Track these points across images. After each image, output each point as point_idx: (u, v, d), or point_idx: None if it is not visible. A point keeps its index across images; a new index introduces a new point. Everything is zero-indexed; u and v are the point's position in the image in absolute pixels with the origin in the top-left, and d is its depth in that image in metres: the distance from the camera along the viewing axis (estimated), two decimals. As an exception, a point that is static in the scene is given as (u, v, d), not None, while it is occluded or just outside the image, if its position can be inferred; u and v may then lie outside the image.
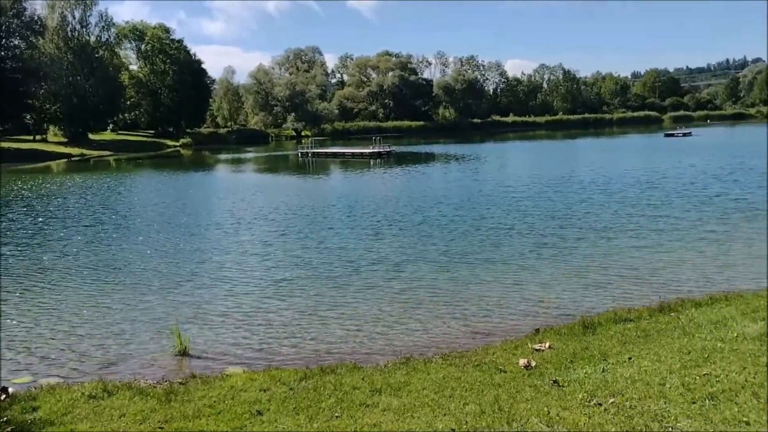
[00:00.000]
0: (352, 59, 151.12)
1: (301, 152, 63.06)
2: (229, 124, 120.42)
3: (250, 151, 76.51)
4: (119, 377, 7.83)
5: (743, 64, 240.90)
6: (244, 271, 13.89)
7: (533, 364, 7.01)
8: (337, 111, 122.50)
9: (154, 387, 7.18)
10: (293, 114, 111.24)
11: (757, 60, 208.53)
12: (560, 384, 6.17)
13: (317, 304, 11.06)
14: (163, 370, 8.24)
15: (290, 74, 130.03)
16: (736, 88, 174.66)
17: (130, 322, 10.46)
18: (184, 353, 8.81)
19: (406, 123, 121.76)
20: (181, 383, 7.27)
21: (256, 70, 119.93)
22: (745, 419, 4.89)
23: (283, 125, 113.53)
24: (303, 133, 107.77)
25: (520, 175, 33.92)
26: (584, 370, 6.55)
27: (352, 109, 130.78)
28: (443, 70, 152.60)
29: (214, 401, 6.45)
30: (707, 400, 5.33)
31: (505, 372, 6.85)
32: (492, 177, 34.31)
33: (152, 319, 10.59)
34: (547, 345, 7.79)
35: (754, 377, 5.73)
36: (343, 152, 61.80)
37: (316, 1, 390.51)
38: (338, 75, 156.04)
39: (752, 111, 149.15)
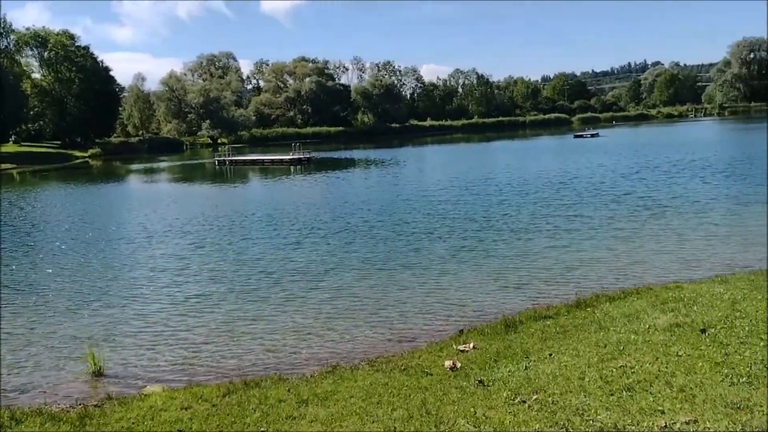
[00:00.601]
0: (267, 65, 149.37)
1: (218, 160, 61.67)
2: (140, 132, 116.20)
3: (163, 160, 74.14)
4: (28, 403, 7.35)
5: (644, 67, 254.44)
6: (159, 287, 13.39)
7: (458, 365, 7.08)
8: (254, 117, 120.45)
9: (67, 411, 6.79)
10: (208, 121, 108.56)
11: (656, 63, 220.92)
12: (485, 384, 6.26)
13: (238, 318, 10.80)
14: (77, 394, 7.80)
15: (204, 80, 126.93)
16: (638, 90, 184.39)
17: (37, 345, 9.86)
18: (98, 374, 8.38)
19: (326, 129, 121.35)
20: (96, 406, 6.90)
21: (168, 77, 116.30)
22: (660, 408, 5.09)
23: (198, 133, 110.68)
24: (219, 141, 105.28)
25: (439, 179, 34.43)
26: (508, 369, 6.67)
27: (269, 115, 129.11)
28: (360, 75, 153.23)
29: (133, 423, 6.16)
30: (624, 392, 5.53)
31: (432, 375, 6.88)
32: (412, 181, 34.68)
33: (62, 341, 10.03)
34: (472, 345, 7.90)
35: (666, 367, 5.99)
36: (262, 159, 60.91)
37: (227, 1, 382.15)
38: (254, 81, 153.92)
39: (653, 112, 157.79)
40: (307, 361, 8.52)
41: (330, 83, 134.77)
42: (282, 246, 17.07)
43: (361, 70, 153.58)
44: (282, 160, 57.68)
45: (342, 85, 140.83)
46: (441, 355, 7.69)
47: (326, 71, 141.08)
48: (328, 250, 16.10)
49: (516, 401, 5.64)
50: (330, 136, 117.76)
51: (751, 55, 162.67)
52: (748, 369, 5.63)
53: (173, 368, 8.66)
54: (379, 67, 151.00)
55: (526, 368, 6.60)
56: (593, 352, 6.82)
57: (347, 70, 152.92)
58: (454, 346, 8.01)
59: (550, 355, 7.00)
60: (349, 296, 11.72)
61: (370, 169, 47.07)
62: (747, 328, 6.88)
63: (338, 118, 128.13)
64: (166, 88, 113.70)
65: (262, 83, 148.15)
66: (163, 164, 67.75)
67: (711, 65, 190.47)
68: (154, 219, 24.09)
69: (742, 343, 6.39)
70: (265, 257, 15.72)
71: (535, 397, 5.69)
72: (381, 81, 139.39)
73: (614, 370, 6.11)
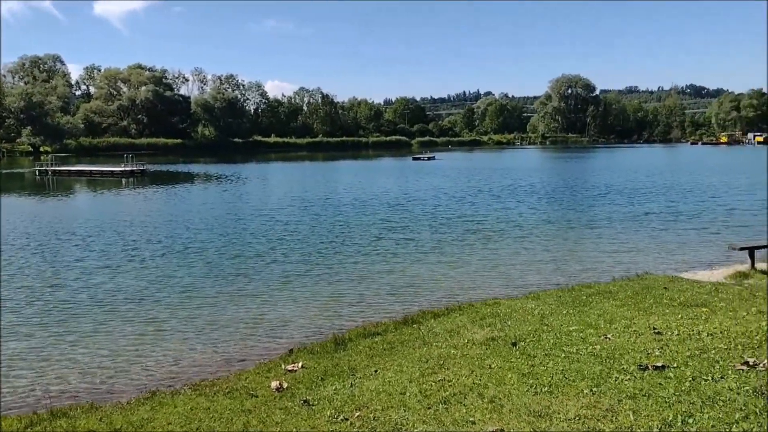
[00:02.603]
0: (99, 70, 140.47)
1: (39, 170, 56.58)
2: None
3: (-26, 168, 66.63)
4: None
5: (477, 97, 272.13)
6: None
7: (285, 385, 7.00)
8: (82, 125, 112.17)
9: None
10: (29, 127, 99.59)
11: (488, 93, 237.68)
12: (310, 403, 6.24)
13: (45, 343, 9.89)
14: None
15: (26, 84, 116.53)
16: (471, 118, 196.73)
17: None
18: None
19: (162, 140, 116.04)
20: None
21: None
22: (471, 419, 5.36)
23: (18, 140, 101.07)
24: (42, 149, 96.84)
25: (281, 197, 34.18)
26: (333, 387, 6.71)
27: (100, 123, 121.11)
28: (201, 87, 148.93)
29: None
30: (441, 405, 5.76)
31: (257, 396, 6.74)
32: (253, 199, 34.10)
33: None
34: (300, 365, 7.86)
35: (480, 379, 6.34)
36: (90, 170, 56.79)
37: (56, 2, 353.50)
38: (84, 87, 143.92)
39: (485, 138, 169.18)
40: (124, 388, 7.98)
41: (168, 93, 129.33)
42: (97, 270, 15.45)
43: (202, 81, 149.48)
44: (112, 171, 54.27)
45: (181, 96, 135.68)
46: (268, 376, 7.57)
47: (164, 80, 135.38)
48: (153, 272, 15.14)
49: (339, 419, 5.68)
50: (167, 148, 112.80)
51: (569, 91, 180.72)
52: (550, 379, 6.11)
53: (-35, 401, 7.72)
54: (221, 79, 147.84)
55: (351, 386, 6.68)
56: (416, 367, 7.06)
57: (187, 80, 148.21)
58: (283, 366, 7.92)
59: (376, 371, 7.15)
60: (174, 318, 11.17)
61: (209, 184, 45.63)
62: (552, 341, 7.50)
63: (177, 130, 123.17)
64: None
65: (92, 89, 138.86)
66: (-28, 172, 60.79)
67: (535, 98, 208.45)
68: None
69: (546, 355, 6.94)
70: (79, 281, 14.40)
71: (357, 414, 5.76)
72: (223, 94, 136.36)
73: (434, 384, 6.36)
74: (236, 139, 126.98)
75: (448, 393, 6.03)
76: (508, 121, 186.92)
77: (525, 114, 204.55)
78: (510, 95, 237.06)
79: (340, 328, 10.08)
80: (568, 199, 31.17)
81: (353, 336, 8.99)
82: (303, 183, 46.53)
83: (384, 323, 9.73)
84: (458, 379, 6.40)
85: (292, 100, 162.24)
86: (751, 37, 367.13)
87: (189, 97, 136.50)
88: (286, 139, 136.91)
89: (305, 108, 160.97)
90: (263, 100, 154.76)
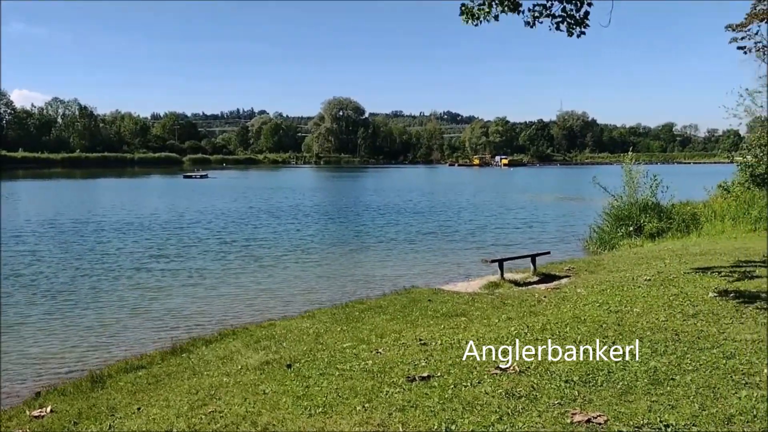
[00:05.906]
0: None
1: None
2: None
3: None
4: None
5: (251, 115, 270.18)
6: None
7: (29, 436, 6.10)
8: None
9: None
10: None
11: (262, 112, 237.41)
12: (60, 454, 5.50)
13: None
14: None
15: None
16: (246, 136, 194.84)
17: None
18: None
19: None
20: None
21: None
22: (243, 450, 5.12)
23: None
24: None
25: (27, 220, 30.36)
26: (90, 431, 6.00)
27: None
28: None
29: None
30: (211, 440, 5.42)
31: (-8, 453, 5.78)
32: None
33: None
34: (49, 409, 6.94)
35: (253, 407, 6.09)
36: None
37: None
38: None
39: (261, 157, 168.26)
40: None
41: None
42: None
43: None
44: None
45: None
46: (9, 426, 6.56)
47: None
48: None
49: (94, 469, 5.07)
50: None
51: (340, 113, 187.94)
52: (324, 399, 6.07)
53: None
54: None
55: (110, 428, 6.02)
56: (184, 400, 6.60)
57: None
58: (28, 413, 6.92)
59: (139, 408, 6.54)
60: None
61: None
62: (326, 360, 7.51)
63: None
64: None
65: None
66: None
67: (309, 118, 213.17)
68: None
69: (321, 375, 6.91)
70: None
71: (116, 460, 5.19)
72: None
73: (203, 416, 5.97)
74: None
75: (219, 425, 5.69)
76: (284, 140, 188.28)
77: (300, 134, 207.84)
78: (284, 114, 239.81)
79: (98, 364, 9.11)
80: (345, 219, 31.92)
81: (113, 372, 8.18)
82: (56, 204, 41.91)
83: (149, 355, 9.02)
84: (230, 409, 6.09)
85: (44, 111, 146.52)
86: (492, 71, 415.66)
87: None
88: (37, 154, 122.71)
89: (60, 120, 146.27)
90: (9, 111, 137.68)
